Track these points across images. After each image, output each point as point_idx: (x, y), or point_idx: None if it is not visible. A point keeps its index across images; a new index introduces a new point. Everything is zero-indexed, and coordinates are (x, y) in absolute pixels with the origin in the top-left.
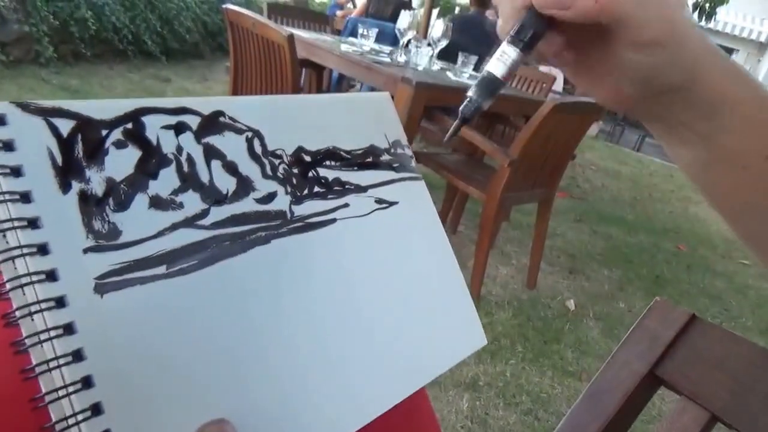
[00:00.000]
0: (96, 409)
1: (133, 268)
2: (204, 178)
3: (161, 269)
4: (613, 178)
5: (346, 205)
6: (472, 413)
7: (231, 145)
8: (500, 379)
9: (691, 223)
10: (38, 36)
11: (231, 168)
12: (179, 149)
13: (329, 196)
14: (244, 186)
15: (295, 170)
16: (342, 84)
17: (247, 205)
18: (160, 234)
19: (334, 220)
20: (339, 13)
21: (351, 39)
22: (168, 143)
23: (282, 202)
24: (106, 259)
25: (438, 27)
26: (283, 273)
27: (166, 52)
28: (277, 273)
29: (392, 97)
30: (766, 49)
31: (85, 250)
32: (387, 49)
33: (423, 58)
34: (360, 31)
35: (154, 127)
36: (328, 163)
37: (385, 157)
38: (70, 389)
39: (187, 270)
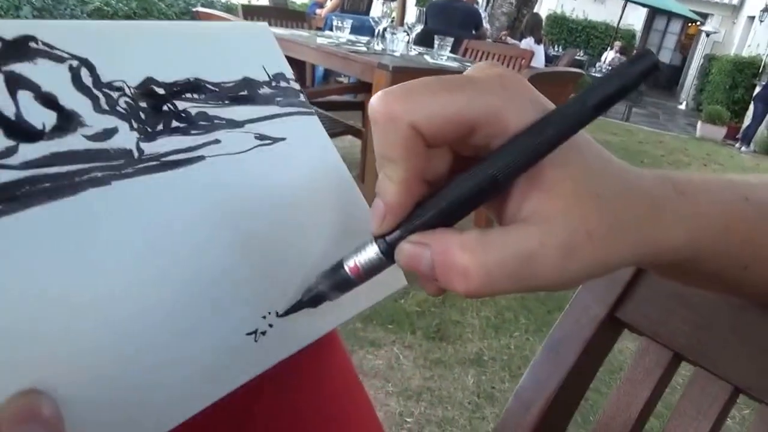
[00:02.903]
0: None
1: None
2: (7, 111)
3: None
4: None
5: (216, 141)
6: (479, 388)
7: (47, 74)
8: (505, 352)
9: None
10: None
11: (48, 100)
12: None
13: (192, 132)
14: (68, 121)
15: (143, 104)
16: (329, 80)
17: (74, 141)
18: None
19: (202, 158)
20: (318, 11)
21: (327, 32)
22: None
23: (125, 139)
24: None
25: (412, 13)
26: (131, 217)
27: None
28: (123, 217)
29: (370, 85)
30: (740, 11)
31: None
32: (364, 39)
33: (400, 45)
34: (335, 23)
35: None
36: (188, 95)
37: (265, 91)
38: None
39: None
